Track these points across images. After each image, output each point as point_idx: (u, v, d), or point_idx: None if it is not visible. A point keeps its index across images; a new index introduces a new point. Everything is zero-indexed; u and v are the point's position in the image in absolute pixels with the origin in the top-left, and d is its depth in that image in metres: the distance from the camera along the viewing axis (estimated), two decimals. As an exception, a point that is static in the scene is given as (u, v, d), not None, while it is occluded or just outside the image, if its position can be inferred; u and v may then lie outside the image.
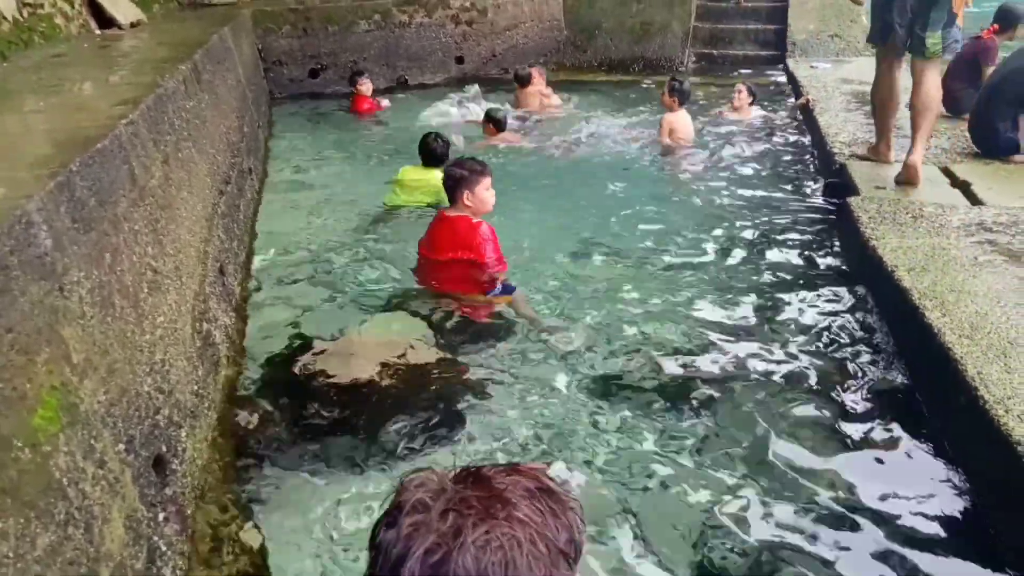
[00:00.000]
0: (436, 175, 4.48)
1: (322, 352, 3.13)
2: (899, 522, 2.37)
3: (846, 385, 3.07)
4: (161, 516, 2.00)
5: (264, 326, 3.64)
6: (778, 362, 3.26)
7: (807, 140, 6.44)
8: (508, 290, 3.59)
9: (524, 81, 7.50)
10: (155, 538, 1.93)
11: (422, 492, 0.84)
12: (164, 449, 2.14)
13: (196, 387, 2.59)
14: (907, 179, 4.43)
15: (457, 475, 0.87)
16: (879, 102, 4.82)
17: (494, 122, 6.48)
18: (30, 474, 1.42)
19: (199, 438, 2.49)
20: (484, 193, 3.52)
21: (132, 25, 5.55)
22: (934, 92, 4.46)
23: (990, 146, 4.93)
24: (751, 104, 7.08)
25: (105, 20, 5.41)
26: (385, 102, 8.04)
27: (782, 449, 2.72)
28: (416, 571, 0.78)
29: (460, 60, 9.40)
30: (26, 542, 1.36)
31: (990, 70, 5.49)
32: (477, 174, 3.51)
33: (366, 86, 7.81)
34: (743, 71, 9.28)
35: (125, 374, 1.98)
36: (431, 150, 4.89)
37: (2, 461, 1.35)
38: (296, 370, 3.05)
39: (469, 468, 0.89)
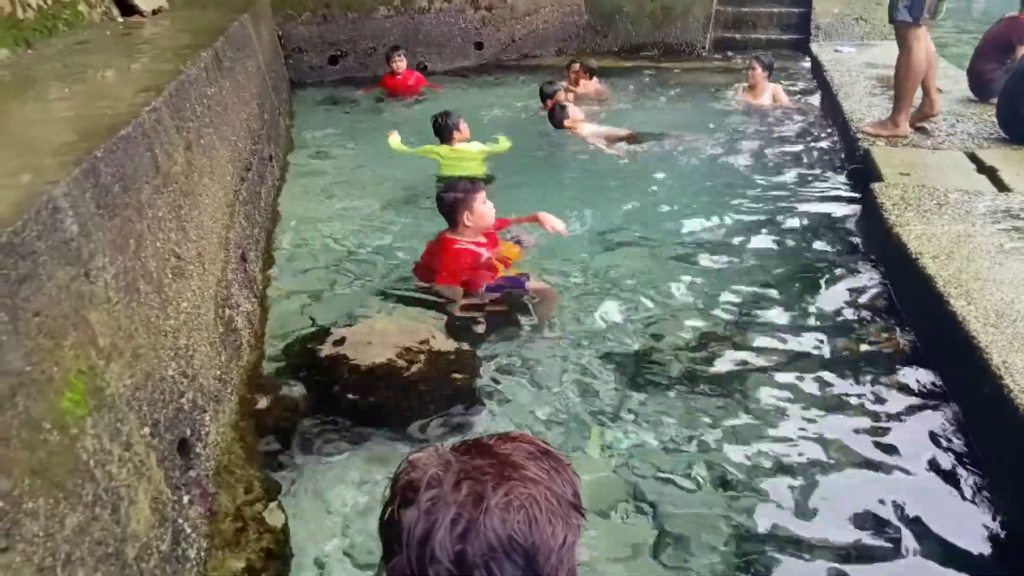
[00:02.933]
0: (467, 148, 5.29)
1: (342, 338, 3.15)
2: (916, 511, 2.35)
3: (867, 372, 3.04)
4: (185, 498, 2.04)
5: (285, 312, 3.68)
6: (799, 350, 3.24)
7: (830, 125, 6.35)
8: (518, 283, 3.61)
9: (593, 73, 7.57)
10: (180, 520, 1.97)
11: (432, 467, 0.85)
12: (188, 432, 2.17)
13: (219, 372, 2.63)
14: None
15: (457, 448, 0.89)
16: (920, 72, 4.87)
17: (550, 97, 6.53)
18: (59, 456, 1.45)
19: (222, 422, 2.53)
20: (482, 208, 3.58)
21: (154, 12, 5.58)
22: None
23: (1018, 131, 4.83)
24: (768, 78, 6.91)
25: (127, 7, 5.44)
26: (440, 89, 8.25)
27: (800, 438, 2.71)
28: (446, 543, 0.79)
29: (479, 46, 9.36)
30: (55, 522, 1.39)
31: (1023, 50, 5.37)
32: (471, 192, 3.57)
33: (401, 63, 7.80)
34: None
35: (150, 359, 2.01)
36: (435, 126, 5.34)
37: (32, 443, 1.38)
38: (316, 355, 3.08)
39: (467, 440, 0.91)
